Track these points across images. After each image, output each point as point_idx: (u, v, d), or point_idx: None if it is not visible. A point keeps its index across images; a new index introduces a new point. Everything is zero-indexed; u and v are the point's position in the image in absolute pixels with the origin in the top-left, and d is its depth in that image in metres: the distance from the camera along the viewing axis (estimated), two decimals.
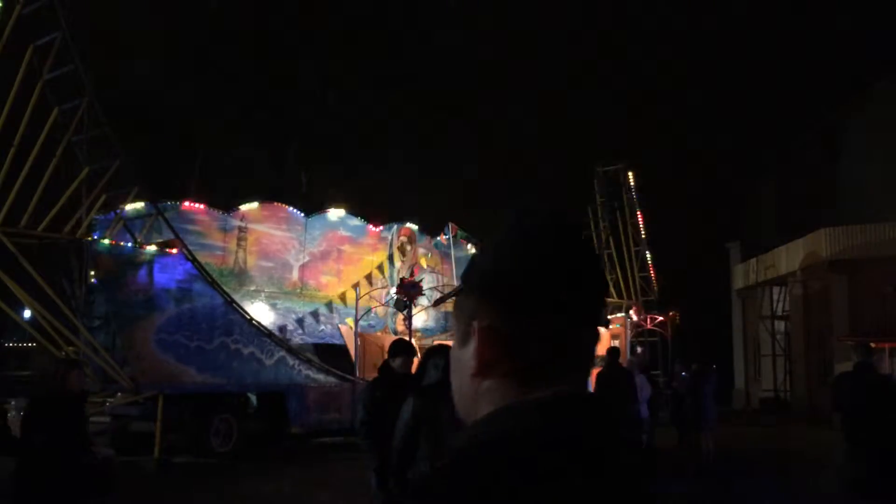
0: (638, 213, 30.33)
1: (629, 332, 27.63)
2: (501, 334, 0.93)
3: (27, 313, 16.01)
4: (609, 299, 27.98)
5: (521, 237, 0.99)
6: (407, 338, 16.90)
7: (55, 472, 5.03)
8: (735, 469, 12.05)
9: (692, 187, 39.37)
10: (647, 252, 30.31)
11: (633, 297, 29.15)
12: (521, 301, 0.93)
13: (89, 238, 16.26)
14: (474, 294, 0.98)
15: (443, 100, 42.11)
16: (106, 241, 16.56)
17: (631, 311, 27.15)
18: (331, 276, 24.78)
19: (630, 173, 30.28)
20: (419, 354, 5.73)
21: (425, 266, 27.66)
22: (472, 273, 1.01)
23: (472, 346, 0.95)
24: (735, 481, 11.00)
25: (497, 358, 0.94)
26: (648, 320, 27.51)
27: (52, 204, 14.85)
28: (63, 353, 15.21)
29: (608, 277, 28.11)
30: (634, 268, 29.82)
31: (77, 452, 5.19)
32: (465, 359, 0.97)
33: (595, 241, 28.75)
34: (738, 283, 28.89)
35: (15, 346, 29.57)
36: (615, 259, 29.11)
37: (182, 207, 20.87)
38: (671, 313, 26.42)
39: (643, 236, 30.29)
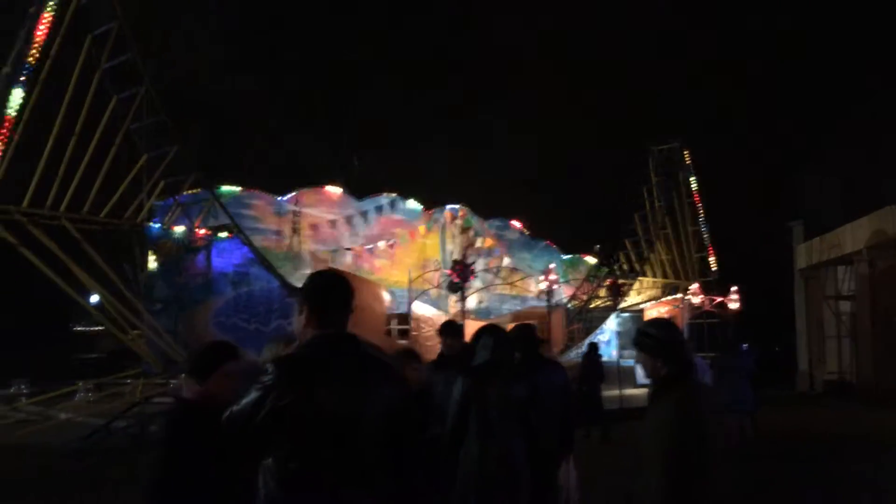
0: (694, 192, 29.66)
1: (686, 313, 27.14)
2: (309, 311, 2.53)
3: (93, 298, 16.47)
4: (664, 279, 27.61)
5: (309, 278, 2.68)
6: (460, 319, 16.91)
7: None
8: (776, 452, 11.42)
9: (752, 165, 38.36)
10: (704, 232, 29.65)
11: (690, 277, 28.59)
12: (311, 301, 2.55)
13: (149, 223, 16.67)
14: (301, 297, 2.59)
15: (496, 82, 41.90)
16: (165, 227, 16.96)
17: (690, 291, 26.64)
18: (384, 260, 24.96)
19: (685, 152, 29.60)
20: (466, 335, 5.66)
21: (478, 247, 27.62)
22: (301, 289, 2.64)
23: (303, 315, 2.55)
24: (772, 466, 10.34)
25: (308, 320, 2.53)
26: (707, 302, 26.94)
27: (113, 191, 15.25)
28: (129, 337, 15.68)
29: (664, 257, 27.82)
30: (692, 248, 29.21)
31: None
32: (301, 319, 2.56)
33: (650, 220, 28.20)
34: (801, 262, 27.99)
35: (83, 331, 30.57)
36: (671, 239, 28.53)
37: (238, 192, 21.24)
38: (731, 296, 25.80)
39: (700, 216, 29.63)
